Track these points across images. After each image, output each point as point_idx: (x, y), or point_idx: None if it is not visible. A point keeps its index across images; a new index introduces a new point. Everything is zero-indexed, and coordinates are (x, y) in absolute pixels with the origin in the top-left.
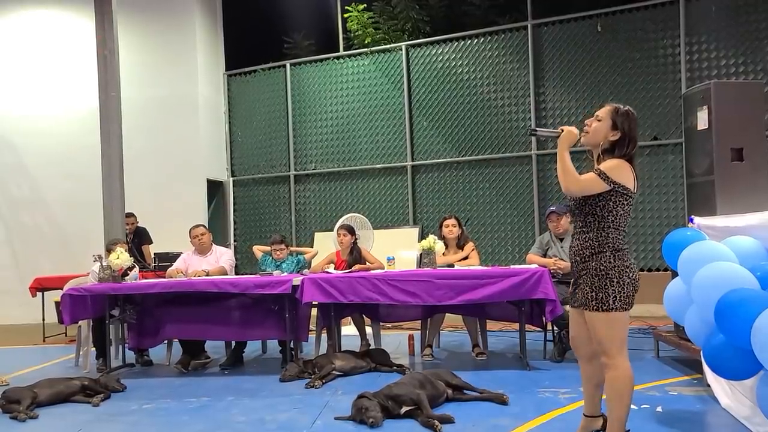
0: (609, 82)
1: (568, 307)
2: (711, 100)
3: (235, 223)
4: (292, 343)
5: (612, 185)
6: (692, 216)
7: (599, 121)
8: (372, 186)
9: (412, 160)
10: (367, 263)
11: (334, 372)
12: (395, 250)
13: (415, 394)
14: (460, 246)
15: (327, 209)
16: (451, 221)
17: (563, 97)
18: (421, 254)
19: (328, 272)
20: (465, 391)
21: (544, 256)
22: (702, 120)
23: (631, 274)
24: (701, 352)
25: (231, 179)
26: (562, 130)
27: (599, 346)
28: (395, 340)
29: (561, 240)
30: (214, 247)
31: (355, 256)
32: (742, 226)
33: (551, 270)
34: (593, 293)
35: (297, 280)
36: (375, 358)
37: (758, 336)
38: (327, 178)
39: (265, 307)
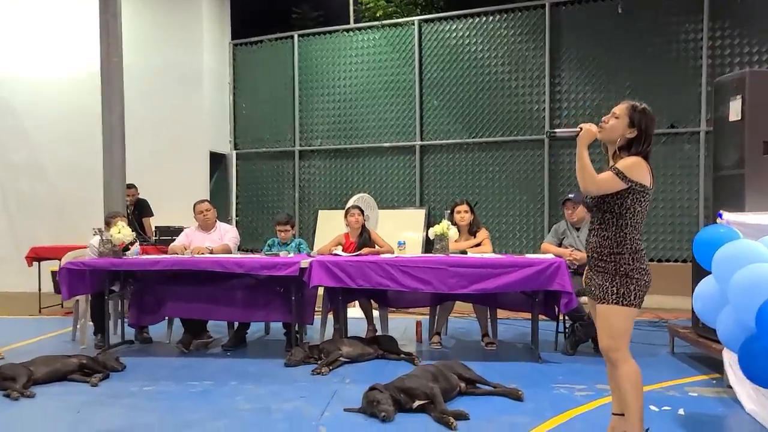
0: (627, 67)
1: (588, 302)
2: (745, 90)
3: (237, 197)
4: (297, 326)
5: (629, 183)
6: (721, 211)
7: (617, 118)
8: (379, 165)
9: (421, 139)
10: (377, 246)
11: (341, 359)
12: (400, 231)
13: (428, 388)
14: (472, 233)
15: (332, 187)
16: (463, 207)
17: (579, 81)
18: (433, 239)
19: (337, 254)
20: (478, 385)
21: (560, 245)
22: (734, 110)
23: (647, 276)
24: (736, 357)
25: (234, 152)
26: (581, 129)
27: (610, 342)
28: (402, 325)
29: (578, 229)
30: (218, 223)
31: (364, 238)
32: None
33: (567, 261)
34: (614, 288)
35: (305, 262)
36: (383, 345)
37: None
38: (332, 155)
39: (270, 289)
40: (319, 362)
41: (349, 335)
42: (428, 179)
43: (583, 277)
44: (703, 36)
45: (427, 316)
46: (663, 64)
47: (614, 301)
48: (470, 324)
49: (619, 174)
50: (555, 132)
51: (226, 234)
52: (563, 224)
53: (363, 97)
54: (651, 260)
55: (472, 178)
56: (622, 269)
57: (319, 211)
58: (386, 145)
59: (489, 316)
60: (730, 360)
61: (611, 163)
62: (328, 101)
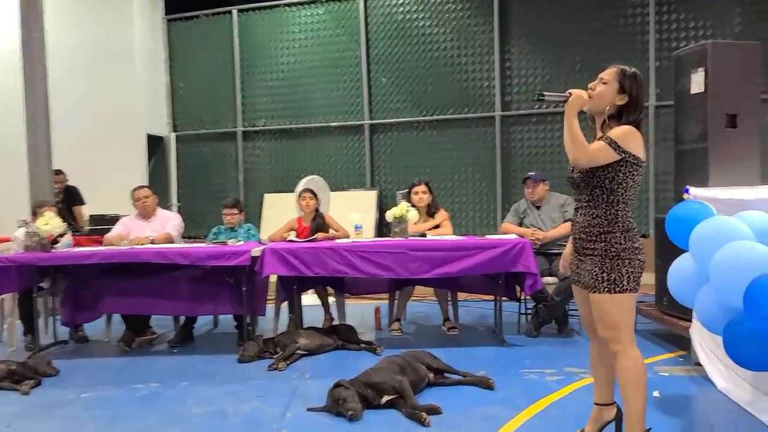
0: (576, 41)
1: (575, 290)
2: (707, 62)
3: (178, 182)
4: (248, 318)
5: (623, 154)
6: (687, 187)
7: (605, 83)
8: (327, 145)
9: (370, 118)
10: (332, 231)
11: (298, 351)
12: (352, 213)
13: (397, 382)
14: (431, 214)
15: (278, 169)
16: (422, 188)
17: (529, 56)
18: (391, 222)
19: (291, 240)
20: (447, 375)
21: (520, 224)
22: (697, 83)
23: (641, 256)
24: (708, 336)
25: (173, 134)
26: (570, 94)
27: (610, 332)
28: (358, 311)
29: (538, 208)
30: (159, 210)
31: (318, 222)
32: (751, 200)
33: (529, 240)
34: (605, 274)
35: (257, 250)
36: (342, 335)
37: None
38: (278, 135)
39: (218, 279)
40: (275, 357)
41: (304, 325)
42: (379, 159)
43: (568, 264)
44: (650, 11)
45: (386, 302)
46: (612, 39)
47: (606, 290)
48: (430, 308)
49: (612, 144)
50: (544, 94)
51: (168, 222)
52: (523, 203)
53: (308, 74)
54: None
55: (423, 157)
56: (613, 250)
57: (265, 195)
58: (334, 124)
59: (450, 300)
60: (699, 338)
61: (599, 134)
62: (272, 80)
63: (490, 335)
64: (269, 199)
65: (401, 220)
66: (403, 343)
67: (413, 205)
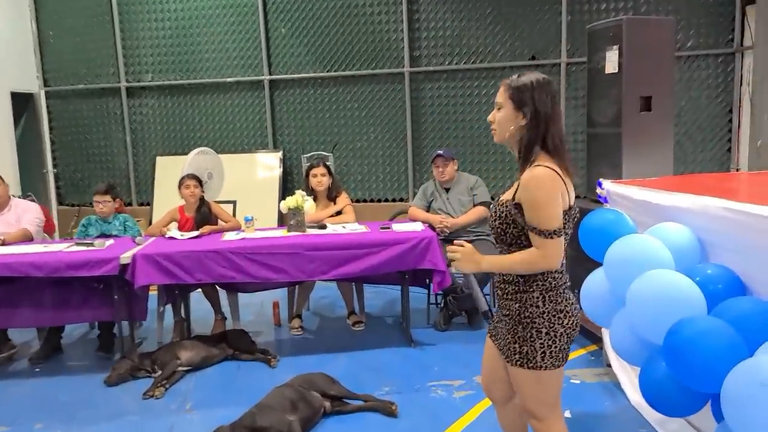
0: None
1: (486, 334)
2: (622, 39)
3: (53, 144)
4: (121, 326)
5: (558, 231)
6: (600, 180)
7: (500, 109)
8: (223, 103)
9: (270, 73)
10: (220, 222)
11: (180, 369)
12: (253, 178)
13: (286, 424)
14: (332, 198)
15: (170, 129)
16: (320, 169)
17: (438, 8)
18: (286, 214)
19: (171, 237)
20: (346, 400)
21: (428, 208)
22: (611, 62)
23: (566, 321)
24: (638, 375)
25: (43, 91)
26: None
27: (524, 407)
28: (257, 302)
29: (447, 190)
30: (13, 201)
31: (203, 213)
32: (667, 206)
33: (437, 228)
34: (516, 345)
35: (126, 256)
36: (233, 343)
37: (731, 390)
38: (168, 92)
39: (87, 284)
40: (153, 377)
41: (195, 325)
42: (281, 118)
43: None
44: None
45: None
46: None
47: (518, 363)
48: (336, 293)
49: (544, 233)
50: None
51: (25, 215)
52: (431, 185)
53: (199, 24)
54: None
55: (329, 116)
56: (527, 315)
57: (158, 158)
58: (230, 80)
59: (355, 290)
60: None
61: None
62: (157, 29)
63: (398, 331)
64: (162, 162)
65: (296, 212)
66: (304, 344)
67: (311, 189)
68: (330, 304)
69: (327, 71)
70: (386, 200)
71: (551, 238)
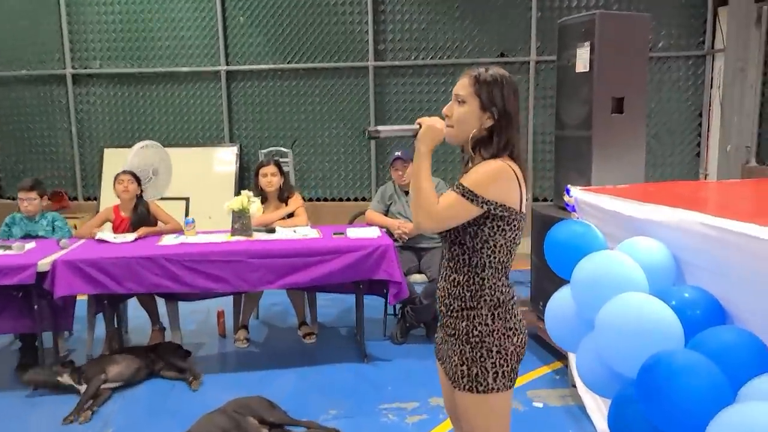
0: None
1: (437, 364)
2: (595, 36)
3: None
4: (46, 338)
5: (485, 206)
6: (568, 186)
7: (461, 102)
8: (177, 94)
9: (227, 64)
10: (160, 224)
11: (106, 386)
12: (208, 173)
13: None
14: (283, 199)
15: (120, 120)
16: (270, 168)
17: (404, 0)
18: (231, 217)
19: (101, 239)
20: (287, 427)
21: (387, 212)
22: (582, 60)
23: (515, 339)
24: (608, 408)
25: None
26: (420, 125)
27: None
28: (203, 309)
29: (407, 193)
30: None
31: (140, 213)
32: (641, 219)
33: (395, 234)
34: (464, 367)
35: (45, 263)
36: (164, 356)
37: None
38: (118, 80)
39: (4, 291)
40: (78, 387)
41: (132, 334)
42: (238, 111)
43: (435, 335)
44: None
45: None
46: None
47: (467, 387)
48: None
49: (467, 194)
50: (378, 131)
51: None
52: (390, 187)
53: (152, 9)
54: None
55: (288, 110)
56: (476, 333)
57: (105, 150)
58: (184, 69)
59: (307, 299)
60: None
61: (458, 181)
62: (107, 13)
63: (352, 345)
64: (110, 155)
65: (242, 214)
66: (250, 358)
67: (261, 189)
68: (281, 313)
69: (287, 63)
70: (347, 199)
71: (464, 197)
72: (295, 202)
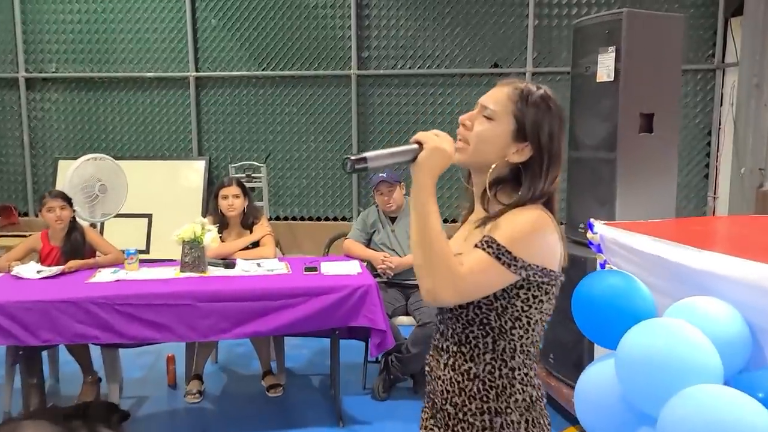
0: None
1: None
2: (621, 39)
3: None
4: None
5: (523, 272)
6: (591, 221)
7: (489, 119)
8: (141, 101)
9: (197, 70)
10: (99, 254)
11: None
12: (174, 189)
13: None
14: (248, 226)
15: (77, 129)
16: (232, 189)
17: (391, 4)
18: (182, 248)
19: (17, 276)
20: None
21: (369, 242)
22: (605, 68)
23: None
24: None
25: None
26: (419, 145)
27: None
28: (153, 350)
29: (393, 220)
30: None
31: (74, 242)
32: (698, 271)
33: (378, 269)
34: None
35: None
36: (90, 422)
37: None
38: (76, 85)
39: None
40: None
41: (65, 384)
42: (208, 122)
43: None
44: None
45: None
46: None
47: None
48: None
49: (504, 255)
50: (365, 160)
51: None
52: (374, 212)
53: (115, 8)
54: (453, 222)
55: (263, 121)
56: None
57: (60, 162)
58: (150, 75)
59: (273, 344)
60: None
61: (482, 208)
62: (66, 12)
63: (326, 399)
64: (65, 166)
65: (194, 246)
66: (197, 421)
67: (221, 214)
68: (245, 356)
69: (262, 70)
70: (326, 219)
71: (499, 259)
72: (262, 229)
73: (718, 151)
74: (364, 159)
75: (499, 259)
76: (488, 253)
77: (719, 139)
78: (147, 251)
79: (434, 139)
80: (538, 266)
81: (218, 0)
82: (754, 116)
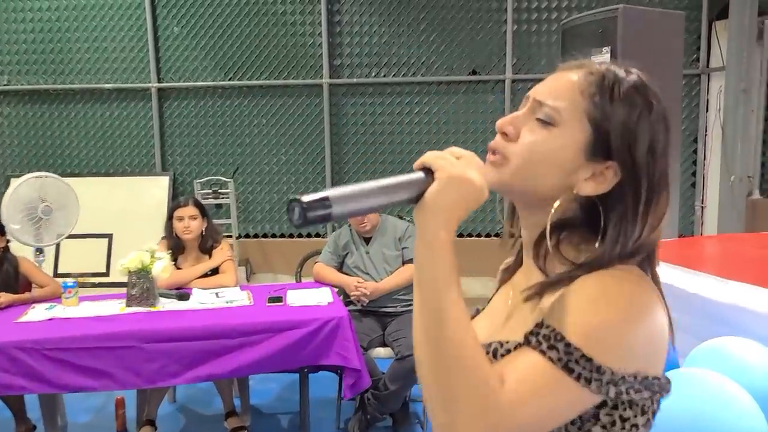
0: None
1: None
2: (617, 38)
3: None
4: None
5: (612, 388)
6: None
7: (546, 124)
8: (99, 114)
9: (159, 80)
10: (34, 287)
11: None
12: (135, 207)
13: None
14: (206, 250)
15: (30, 144)
16: (188, 210)
17: (363, 10)
18: (127, 279)
19: None
20: None
21: (341, 266)
22: None
23: None
24: None
25: None
26: (429, 173)
27: None
28: (98, 396)
29: (367, 241)
30: None
31: (5, 273)
32: (723, 304)
33: (352, 296)
34: None
35: None
36: None
37: None
38: (29, 98)
39: None
40: None
41: None
42: (171, 135)
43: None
44: None
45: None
46: None
47: None
48: None
49: (576, 361)
50: (327, 203)
51: None
52: (346, 232)
53: (71, 16)
54: (461, 236)
55: (230, 134)
56: None
57: (12, 180)
58: (108, 86)
59: (236, 381)
60: None
61: (535, 264)
62: (19, 21)
63: None
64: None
65: (142, 275)
66: None
67: (177, 237)
68: (205, 392)
69: (229, 80)
70: (299, 236)
71: (570, 371)
72: (222, 254)
73: (705, 158)
74: (326, 201)
75: (570, 370)
76: (550, 358)
77: (706, 146)
78: (107, 274)
79: (452, 164)
80: (635, 377)
81: (181, 6)
82: (743, 123)
